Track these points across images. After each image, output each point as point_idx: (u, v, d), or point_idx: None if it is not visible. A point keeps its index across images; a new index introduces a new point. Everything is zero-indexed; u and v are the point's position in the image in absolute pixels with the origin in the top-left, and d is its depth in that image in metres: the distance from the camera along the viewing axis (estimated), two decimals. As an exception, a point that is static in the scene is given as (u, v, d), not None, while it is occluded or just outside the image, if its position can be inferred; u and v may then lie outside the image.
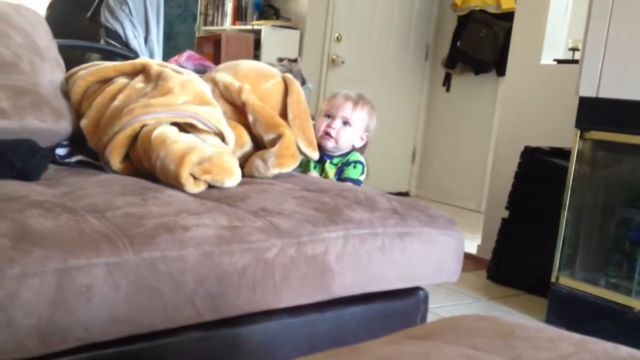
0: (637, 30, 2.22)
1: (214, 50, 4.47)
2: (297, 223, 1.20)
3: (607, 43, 2.29)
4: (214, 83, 1.64)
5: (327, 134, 1.94)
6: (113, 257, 0.94)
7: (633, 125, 2.25)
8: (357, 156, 1.98)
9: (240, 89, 1.61)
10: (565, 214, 2.43)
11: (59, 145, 1.49)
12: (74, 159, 1.47)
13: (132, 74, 1.52)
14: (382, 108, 5.21)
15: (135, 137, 1.39)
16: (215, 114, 1.49)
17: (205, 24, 5.00)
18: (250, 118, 1.61)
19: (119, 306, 0.95)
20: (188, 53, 3.62)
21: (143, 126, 1.38)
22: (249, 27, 4.56)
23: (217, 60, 4.21)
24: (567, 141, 2.85)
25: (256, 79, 1.69)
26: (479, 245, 3.40)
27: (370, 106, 2.01)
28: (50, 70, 1.50)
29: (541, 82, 3.22)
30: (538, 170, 2.82)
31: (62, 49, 1.75)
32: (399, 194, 4.26)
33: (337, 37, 4.76)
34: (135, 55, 2.08)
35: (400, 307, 1.39)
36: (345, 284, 1.26)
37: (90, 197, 1.12)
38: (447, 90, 5.22)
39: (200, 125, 1.44)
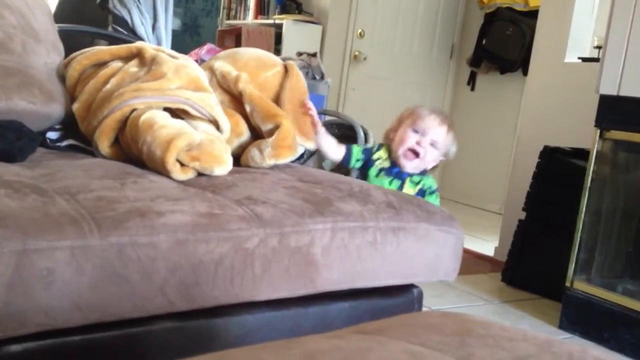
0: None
1: (235, 44, 4.45)
2: (282, 213, 1.16)
3: (630, 40, 2.19)
4: (212, 71, 1.61)
5: (414, 152, 1.80)
6: (77, 241, 0.90)
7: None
8: (434, 182, 1.87)
9: (238, 77, 1.57)
10: (582, 216, 2.33)
11: (51, 128, 1.47)
12: (64, 143, 1.45)
13: (127, 58, 1.49)
14: (405, 106, 5.15)
15: (125, 122, 1.35)
16: (210, 101, 1.45)
17: (228, 18, 4.99)
18: (248, 108, 1.57)
19: (83, 292, 0.92)
20: (208, 46, 3.60)
21: (133, 110, 1.35)
22: (270, 21, 4.53)
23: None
24: (589, 141, 2.75)
25: (256, 68, 1.65)
26: (496, 247, 3.32)
27: (453, 130, 1.86)
28: (45, 52, 1.48)
29: (565, 80, 3.11)
30: (556, 171, 2.73)
31: (70, 35, 1.73)
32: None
33: (360, 33, 4.69)
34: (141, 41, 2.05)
35: (392, 304, 1.33)
36: (332, 279, 1.21)
37: (66, 179, 1.09)
38: (472, 89, 5.12)
39: (192, 112, 1.41)
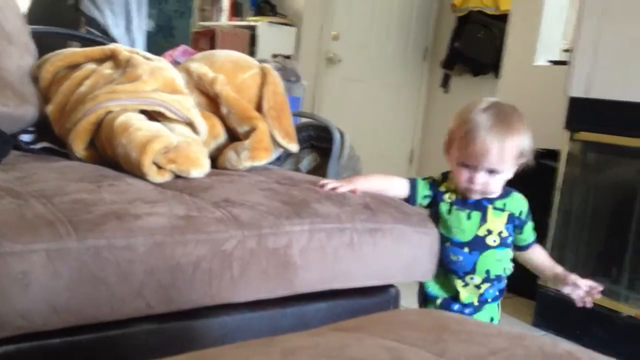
0: (627, 31, 2.17)
1: (209, 46, 4.44)
2: (260, 215, 1.16)
3: (598, 43, 2.24)
4: (188, 73, 1.60)
5: (469, 189, 1.43)
6: (54, 244, 0.90)
7: (623, 126, 2.20)
8: (521, 200, 1.49)
9: (214, 79, 1.57)
10: (554, 216, 2.38)
11: (25, 131, 1.45)
12: (38, 146, 1.43)
13: (101, 60, 1.48)
14: (379, 108, 5.19)
15: (100, 124, 1.35)
16: (186, 103, 1.45)
17: (202, 20, 4.97)
18: (224, 110, 1.57)
19: (61, 295, 0.91)
20: (183, 48, 3.58)
21: (108, 113, 1.34)
22: (245, 23, 4.52)
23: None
24: (558, 143, 2.80)
25: (233, 70, 1.65)
26: (469, 248, 3.36)
27: (520, 126, 1.40)
28: (18, 54, 1.47)
29: (534, 83, 3.17)
30: (528, 172, 2.77)
31: (42, 36, 1.72)
32: (393, 194, 4.21)
33: (335, 36, 4.72)
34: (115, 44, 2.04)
35: (369, 304, 1.35)
36: (310, 280, 1.22)
37: (41, 182, 1.08)
38: (446, 91, 5.17)
39: (169, 114, 1.40)
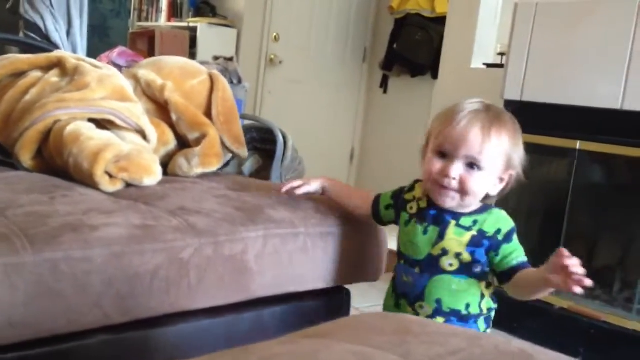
0: (556, 39, 2.29)
1: (148, 47, 4.37)
2: (215, 222, 1.18)
3: (530, 50, 2.36)
4: (136, 80, 1.60)
5: (442, 186, 1.15)
6: (10, 258, 0.89)
7: (554, 127, 2.32)
8: (504, 218, 1.19)
9: (163, 86, 1.57)
10: (491, 214, 2.48)
11: (-34, 141, 1.41)
12: (-18, 156, 1.40)
13: (47, 68, 1.46)
14: (320, 109, 5.24)
15: (48, 133, 1.33)
16: (136, 111, 1.44)
17: (139, 20, 4.89)
18: (174, 117, 1.57)
19: (17, 309, 0.90)
20: (120, 49, 3.51)
21: (56, 122, 1.32)
22: (184, 24, 4.48)
23: (150, 56, 4.12)
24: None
25: (181, 76, 1.65)
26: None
27: (510, 126, 1.21)
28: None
29: (471, 85, 3.29)
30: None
31: (-23, 41, 1.66)
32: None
33: (275, 37, 4.73)
34: (57, 48, 2.00)
35: (322, 306, 1.38)
36: (265, 284, 1.24)
37: (-8, 195, 1.06)
38: (385, 92, 5.27)
39: (119, 122, 1.40)
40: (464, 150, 1.12)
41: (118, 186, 1.29)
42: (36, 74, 1.43)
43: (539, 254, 2.51)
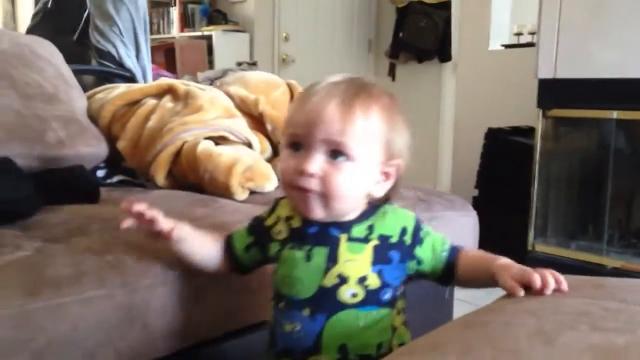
0: (585, 14, 2.46)
1: (165, 59, 4.49)
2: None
3: (560, 28, 2.52)
4: (230, 96, 1.75)
5: (299, 187, 0.83)
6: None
7: (588, 100, 2.50)
8: (402, 212, 0.92)
9: (257, 100, 1.72)
10: (535, 187, 2.66)
11: (97, 167, 1.56)
12: (115, 179, 1.54)
13: (158, 95, 1.60)
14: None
15: (177, 154, 1.48)
16: (243, 125, 1.60)
17: (151, 33, 4.99)
18: (269, 127, 1.72)
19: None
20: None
21: (184, 143, 1.47)
22: (198, 33, 4.61)
23: (171, 69, 4.24)
24: (521, 120, 3.10)
25: (266, 89, 1.80)
26: (448, 224, 3.62)
27: (386, 100, 0.87)
28: (79, 97, 1.56)
29: (491, 67, 3.46)
30: (502, 149, 3.06)
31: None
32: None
33: (285, 37, 4.87)
34: (130, 73, 2.14)
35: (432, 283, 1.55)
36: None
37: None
38: (393, 79, 5.43)
39: (232, 137, 1.55)
40: (319, 132, 0.81)
41: (246, 194, 1.45)
42: (151, 101, 1.58)
43: (580, 216, 2.68)
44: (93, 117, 1.60)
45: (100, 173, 1.54)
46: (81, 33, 2.21)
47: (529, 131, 2.90)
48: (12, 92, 1.29)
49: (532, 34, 3.22)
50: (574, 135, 2.68)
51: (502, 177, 3.05)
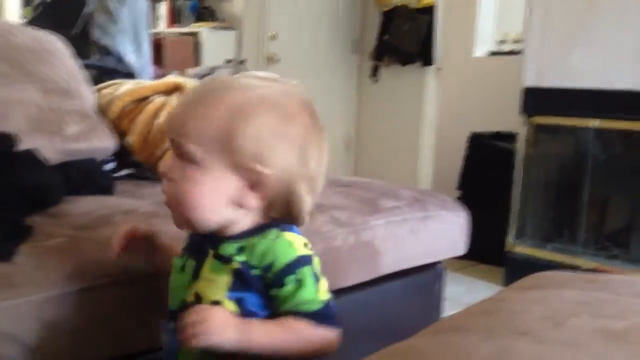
0: (571, 23, 2.58)
1: (154, 54, 4.51)
2: (350, 214, 1.41)
3: (544, 40, 2.64)
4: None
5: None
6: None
7: (570, 109, 2.61)
8: (283, 244, 0.77)
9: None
10: (517, 190, 2.77)
11: (105, 161, 1.61)
12: (122, 173, 1.59)
13: (167, 92, 1.66)
14: (317, 101, 5.45)
15: (185, 150, 1.53)
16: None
17: (139, 28, 5.00)
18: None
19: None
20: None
21: (192, 139, 1.53)
22: (187, 29, 4.64)
23: (158, 64, 4.27)
24: (503, 125, 3.22)
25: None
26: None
27: (240, 100, 0.78)
28: (88, 92, 1.61)
29: (476, 73, 3.57)
30: (484, 153, 3.17)
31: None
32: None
33: (272, 36, 4.93)
34: (131, 70, 2.18)
35: (425, 279, 1.64)
36: (388, 264, 1.49)
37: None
38: (376, 81, 5.53)
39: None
40: (169, 133, 0.78)
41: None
42: (159, 98, 1.63)
43: (558, 219, 2.79)
44: (100, 112, 1.65)
45: (109, 166, 1.59)
46: (83, 28, 2.24)
47: (511, 136, 3.01)
48: (31, 86, 1.34)
49: (516, 42, 3.33)
50: (554, 141, 2.80)
51: (483, 180, 3.16)
